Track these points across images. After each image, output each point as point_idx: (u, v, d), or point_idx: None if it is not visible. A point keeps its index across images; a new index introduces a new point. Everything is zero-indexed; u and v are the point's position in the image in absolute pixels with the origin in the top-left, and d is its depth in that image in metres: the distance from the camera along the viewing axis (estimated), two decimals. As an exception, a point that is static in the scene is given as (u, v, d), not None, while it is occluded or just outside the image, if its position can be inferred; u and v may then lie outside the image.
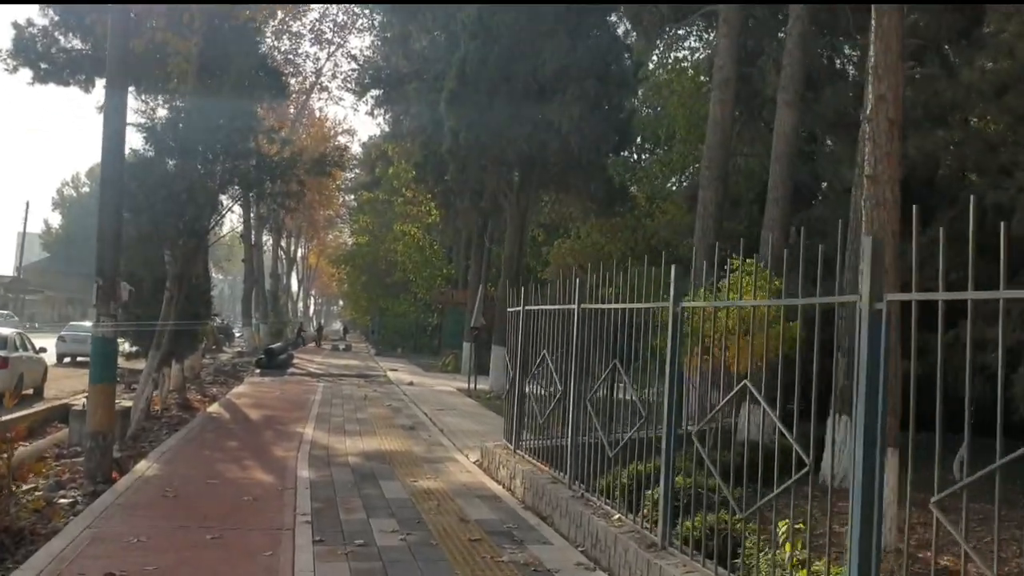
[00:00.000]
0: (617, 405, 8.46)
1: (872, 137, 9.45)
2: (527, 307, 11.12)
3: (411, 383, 28.04)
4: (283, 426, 16.19)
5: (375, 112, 54.84)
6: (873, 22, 9.56)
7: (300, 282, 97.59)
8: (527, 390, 11.05)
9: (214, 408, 18.96)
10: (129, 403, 16.07)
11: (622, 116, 25.60)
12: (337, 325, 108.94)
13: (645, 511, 7.14)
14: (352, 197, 74.46)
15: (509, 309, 12.06)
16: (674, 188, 31.79)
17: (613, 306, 8.23)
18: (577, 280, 9.44)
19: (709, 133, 20.35)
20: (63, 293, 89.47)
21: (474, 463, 12.40)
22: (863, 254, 4.48)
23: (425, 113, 32.98)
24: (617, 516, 7.58)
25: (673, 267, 7.33)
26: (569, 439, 9.06)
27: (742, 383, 5.92)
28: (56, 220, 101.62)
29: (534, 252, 42.66)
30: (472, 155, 25.33)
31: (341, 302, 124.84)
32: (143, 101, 25.46)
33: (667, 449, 6.83)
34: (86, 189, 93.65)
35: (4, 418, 15.86)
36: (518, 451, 11.03)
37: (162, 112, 17.38)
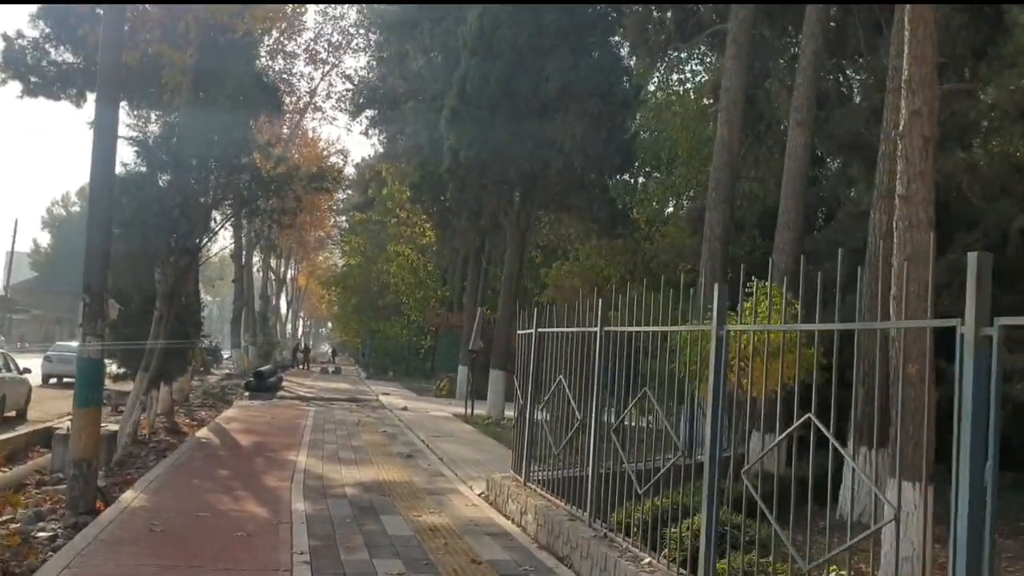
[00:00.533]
0: (642, 434, 7.86)
1: (905, 155, 8.89)
2: (540, 329, 10.50)
3: (405, 408, 27.34)
4: (275, 453, 15.50)
5: (369, 132, 54.50)
6: (907, 33, 9.03)
7: (289, 304, 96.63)
8: (538, 417, 10.42)
9: (203, 433, 18.25)
10: (116, 427, 15.40)
11: (625, 137, 25.13)
12: (325, 347, 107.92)
13: (677, 553, 6.51)
14: (344, 218, 73.89)
15: (520, 331, 11.44)
16: (674, 211, 31.28)
17: (643, 329, 7.62)
18: (599, 301, 8.81)
19: (716, 154, 19.88)
20: (51, 312, 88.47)
21: (479, 496, 11.74)
22: (969, 272, 3.90)
23: (422, 132, 32.48)
24: (648, 560, 6.93)
25: (716, 287, 6.80)
26: (590, 471, 8.42)
27: (805, 416, 5.31)
28: (45, 239, 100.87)
29: (531, 274, 42.10)
30: (472, 174, 24.82)
31: (330, 324, 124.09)
32: (135, 116, 24.85)
33: (710, 484, 6.19)
34: (76, 208, 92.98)
35: (-17, 442, 15.18)
36: (529, 483, 10.38)
37: (154, 127, 16.81)
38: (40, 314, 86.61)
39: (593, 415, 8.55)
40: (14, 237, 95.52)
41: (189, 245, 14.72)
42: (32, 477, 13.25)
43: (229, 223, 21.09)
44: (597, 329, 8.65)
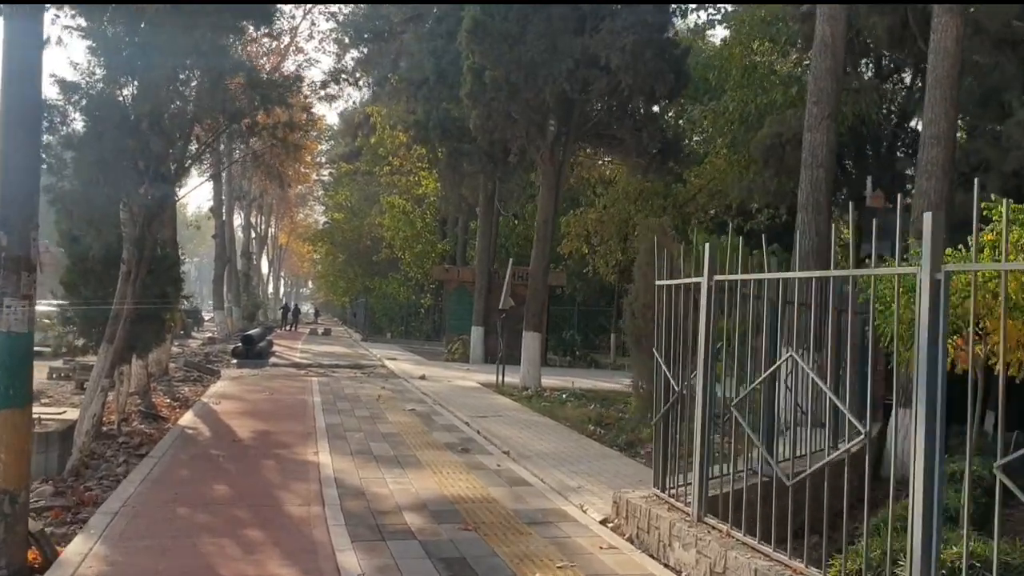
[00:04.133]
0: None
1: None
2: (719, 277, 6.72)
3: (423, 377, 23.55)
4: (286, 449, 11.70)
5: (356, 73, 49.85)
6: None
7: (271, 263, 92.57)
8: (719, 411, 6.69)
9: (188, 419, 14.41)
10: (76, 414, 11.57)
11: (677, 53, 21.13)
12: (307, 308, 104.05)
13: None
14: (327, 172, 69.73)
15: (666, 282, 7.61)
16: (719, 145, 27.43)
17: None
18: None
19: (815, 59, 16.10)
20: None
21: (604, 524, 7.96)
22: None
23: (427, 62, 28.40)
24: None
25: (929, 215, 4.63)
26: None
27: None
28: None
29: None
30: (499, 99, 20.81)
31: (311, 283, 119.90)
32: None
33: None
34: None
35: None
36: (705, 516, 6.64)
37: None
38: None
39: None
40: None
41: (164, 171, 10.76)
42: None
43: (212, 147, 16.60)
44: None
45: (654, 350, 7.73)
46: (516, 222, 41.39)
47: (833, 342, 5.99)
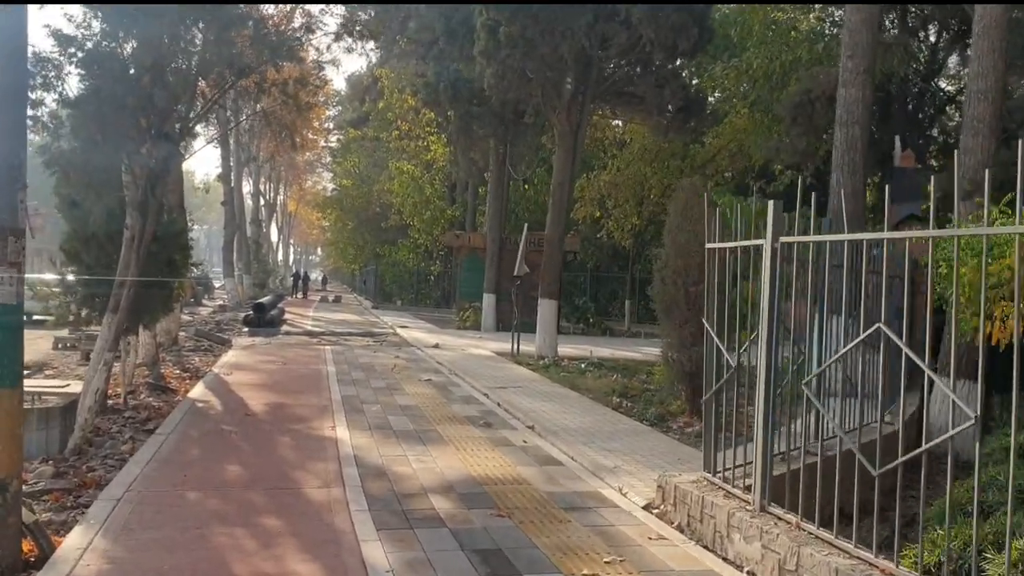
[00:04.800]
0: None
1: None
2: (786, 239, 6.04)
3: (436, 345, 22.94)
4: (302, 424, 11.10)
5: (356, 45, 48.71)
6: None
7: (280, 230, 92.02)
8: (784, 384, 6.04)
9: (198, 391, 13.82)
10: (80, 387, 10.98)
11: (700, 6, 20.21)
12: (315, 275, 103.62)
13: None
14: (335, 139, 68.88)
15: (718, 245, 6.92)
16: (738, 104, 26.56)
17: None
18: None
19: (849, 11, 15.38)
20: (31, 244, 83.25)
21: (647, 510, 7.32)
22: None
23: (437, 21, 27.49)
24: None
25: None
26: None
27: None
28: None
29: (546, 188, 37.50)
30: (514, 56, 19.97)
31: (319, 250, 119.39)
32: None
33: None
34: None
35: None
36: (771, 508, 6.01)
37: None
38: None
39: None
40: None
41: (167, 130, 10.05)
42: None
43: (215, 107, 15.71)
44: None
45: (704, 321, 7.06)
46: (527, 187, 40.60)
47: (908, 309, 5.32)
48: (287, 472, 8.40)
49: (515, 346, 20.47)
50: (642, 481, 8.11)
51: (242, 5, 10.65)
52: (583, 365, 18.67)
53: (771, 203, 6.07)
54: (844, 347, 6.19)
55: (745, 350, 6.59)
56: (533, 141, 32.16)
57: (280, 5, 11.51)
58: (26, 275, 19.65)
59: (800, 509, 5.71)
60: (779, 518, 5.86)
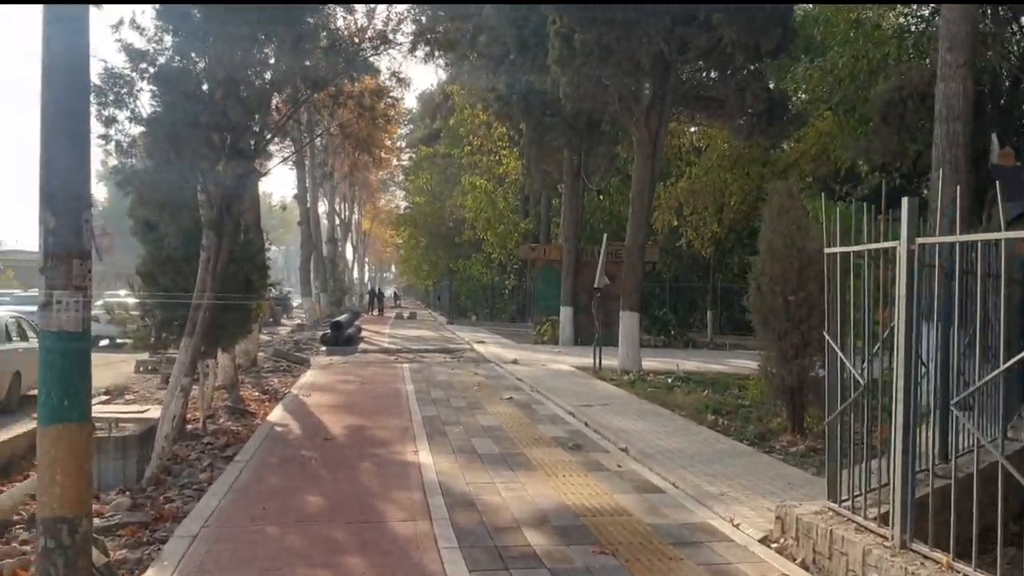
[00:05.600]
0: None
1: None
2: (940, 239, 5.37)
3: (515, 361, 22.44)
4: (383, 448, 10.65)
5: (434, 54, 48.67)
6: None
7: (355, 248, 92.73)
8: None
9: (277, 414, 13.51)
10: (157, 413, 10.68)
11: (782, 6, 19.41)
12: (388, 292, 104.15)
13: None
14: (406, 157, 69.15)
15: (839, 249, 6.25)
16: (822, 107, 25.59)
17: None
18: None
19: (947, 4, 14.51)
20: (112, 267, 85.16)
21: (764, 543, 6.67)
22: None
23: (509, 33, 27.08)
24: None
25: None
26: None
27: None
28: (102, 193, 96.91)
29: (622, 198, 36.75)
30: (589, 63, 19.44)
31: (393, 268, 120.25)
32: None
33: None
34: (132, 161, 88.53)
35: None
36: (910, 541, 5.31)
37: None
38: (101, 269, 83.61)
39: None
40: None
41: (242, 146, 9.72)
42: (28, 508, 8.55)
43: (292, 120, 15.29)
44: None
45: (825, 334, 6.38)
46: (602, 197, 39.96)
47: None
48: (370, 503, 7.92)
49: (597, 360, 19.84)
50: (754, 510, 7.44)
51: (315, 17, 10.29)
52: (670, 380, 17.98)
53: (905, 200, 5.41)
54: (1000, 361, 5.50)
55: (867, 363, 5.92)
56: (608, 150, 31.57)
57: (352, 16, 11.15)
58: (108, 298, 19.59)
59: (951, 547, 5.00)
60: (925, 556, 5.16)
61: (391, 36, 10.71)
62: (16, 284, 54.19)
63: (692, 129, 32.87)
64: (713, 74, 20.60)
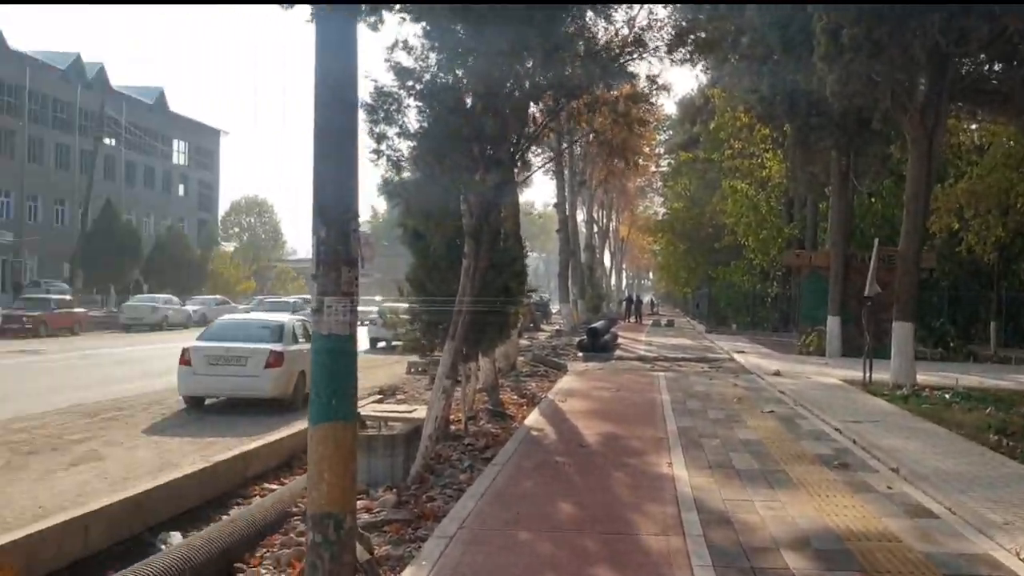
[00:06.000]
0: None
1: None
2: None
3: (777, 372, 21.64)
4: (636, 458, 10.55)
5: (692, 58, 48.11)
6: None
7: (612, 255, 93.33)
8: None
9: (533, 418, 13.75)
10: (423, 413, 11.15)
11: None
12: (645, 299, 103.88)
13: None
14: (665, 162, 68.72)
15: None
16: None
17: None
18: None
19: None
20: (390, 275, 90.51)
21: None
22: None
23: (771, 34, 26.21)
24: None
25: None
26: None
27: None
28: (382, 206, 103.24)
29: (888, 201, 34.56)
30: (858, 59, 18.38)
31: (651, 274, 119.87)
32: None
33: None
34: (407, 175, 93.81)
35: (251, 445, 11.50)
36: None
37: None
38: (380, 277, 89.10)
39: None
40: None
41: (500, 156, 9.98)
42: (305, 501, 9.18)
43: (547, 132, 15.41)
44: None
45: None
46: (873, 200, 37.78)
47: None
48: (622, 514, 7.83)
49: (867, 374, 18.71)
50: (1046, 545, 6.70)
51: (572, 25, 10.39)
52: (947, 396, 16.69)
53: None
54: None
55: None
56: (880, 150, 29.77)
57: (611, 24, 11.15)
58: (383, 303, 20.76)
59: None
60: None
61: (647, 40, 10.67)
62: (306, 290, 58.79)
63: (972, 126, 30.43)
64: (996, 66, 18.91)
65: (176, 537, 8.47)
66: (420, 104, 10.02)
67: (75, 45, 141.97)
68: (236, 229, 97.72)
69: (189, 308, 45.82)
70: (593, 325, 31.92)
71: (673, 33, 10.91)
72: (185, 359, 15.68)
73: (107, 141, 62.00)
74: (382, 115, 9.95)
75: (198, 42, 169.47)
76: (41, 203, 59.68)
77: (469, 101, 10.23)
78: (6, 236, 54.39)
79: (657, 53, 10.88)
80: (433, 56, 10.32)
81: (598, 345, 27.77)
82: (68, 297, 41.90)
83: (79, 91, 61.23)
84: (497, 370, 16.77)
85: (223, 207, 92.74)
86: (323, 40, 5.86)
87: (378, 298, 46.67)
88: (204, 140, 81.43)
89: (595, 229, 68.98)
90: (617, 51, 10.89)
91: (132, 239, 56.71)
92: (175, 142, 77.05)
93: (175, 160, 77.20)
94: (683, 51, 11.02)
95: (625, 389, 17.94)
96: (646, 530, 7.27)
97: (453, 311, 11.28)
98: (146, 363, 23.57)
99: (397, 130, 10.19)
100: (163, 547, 8.00)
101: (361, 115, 9.78)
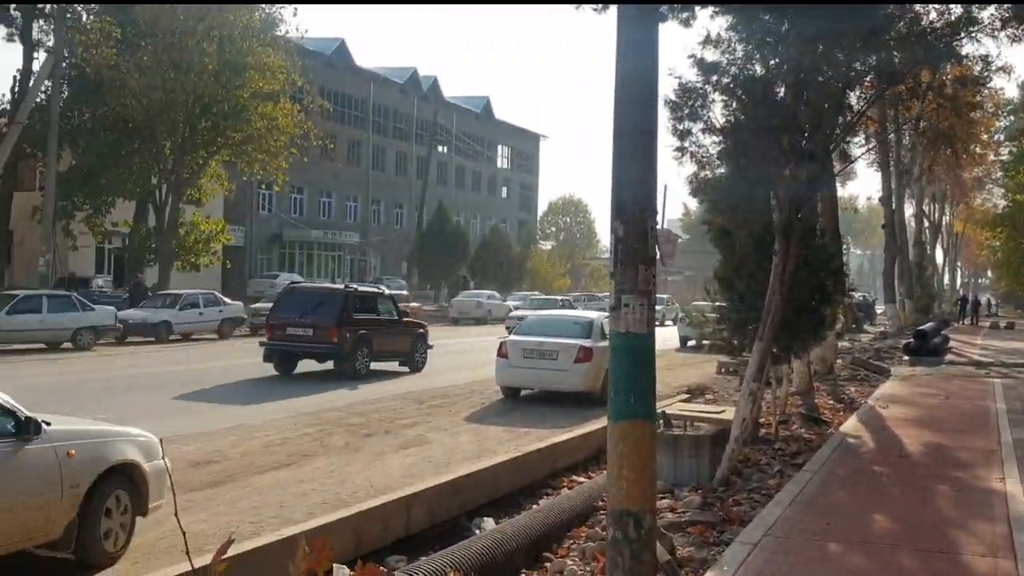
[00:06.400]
0: None
1: None
2: None
3: None
4: (963, 471, 9.70)
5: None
6: None
7: (945, 252, 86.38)
8: None
9: (850, 425, 13.04)
10: (731, 415, 10.95)
11: None
12: (983, 299, 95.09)
13: None
14: (1007, 150, 62.50)
15: None
16: None
17: None
18: None
19: None
20: (703, 273, 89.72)
21: None
22: None
23: None
24: None
25: None
26: None
27: None
28: (693, 204, 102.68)
29: None
30: None
31: (989, 273, 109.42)
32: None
33: None
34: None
35: (553, 440, 11.82)
36: None
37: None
38: (692, 275, 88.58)
39: None
40: (664, 203, 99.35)
41: (813, 148, 9.53)
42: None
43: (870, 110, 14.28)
44: None
45: None
46: None
47: None
48: (943, 530, 7.24)
49: None
50: None
51: (893, 5, 9.70)
52: None
53: None
54: None
55: None
56: None
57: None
58: (691, 303, 20.65)
59: None
60: None
61: (978, 17, 9.71)
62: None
63: None
64: None
65: (489, 523, 8.91)
66: (726, 98, 9.81)
67: (412, 60, 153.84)
68: (553, 228, 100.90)
69: (510, 303, 48.06)
70: (921, 327, 29.75)
71: (1011, 9, 9.84)
72: (502, 352, 16.49)
73: (440, 148, 67.18)
74: (686, 111, 9.85)
75: (519, 51, 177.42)
76: (383, 207, 65.66)
77: (779, 92, 9.88)
78: (353, 237, 60.09)
79: (991, 29, 9.86)
80: (740, 48, 10.07)
81: (926, 348, 25.86)
82: (405, 292, 45.56)
83: (416, 103, 66.93)
84: (812, 373, 16.09)
85: (542, 207, 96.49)
86: (625, 40, 5.92)
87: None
88: (525, 145, 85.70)
89: (925, 224, 64.18)
90: (943, 30, 10.03)
91: (461, 239, 60.60)
92: (499, 147, 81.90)
93: (499, 164, 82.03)
94: (1014, 27, 9.89)
95: (955, 396, 16.57)
96: (971, 550, 6.66)
97: (762, 311, 10.94)
98: (468, 355, 25.01)
99: (702, 126, 10.04)
100: (477, 531, 8.45)
101: (663, 113, 9.79)
